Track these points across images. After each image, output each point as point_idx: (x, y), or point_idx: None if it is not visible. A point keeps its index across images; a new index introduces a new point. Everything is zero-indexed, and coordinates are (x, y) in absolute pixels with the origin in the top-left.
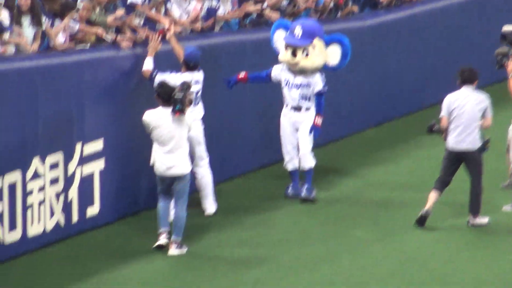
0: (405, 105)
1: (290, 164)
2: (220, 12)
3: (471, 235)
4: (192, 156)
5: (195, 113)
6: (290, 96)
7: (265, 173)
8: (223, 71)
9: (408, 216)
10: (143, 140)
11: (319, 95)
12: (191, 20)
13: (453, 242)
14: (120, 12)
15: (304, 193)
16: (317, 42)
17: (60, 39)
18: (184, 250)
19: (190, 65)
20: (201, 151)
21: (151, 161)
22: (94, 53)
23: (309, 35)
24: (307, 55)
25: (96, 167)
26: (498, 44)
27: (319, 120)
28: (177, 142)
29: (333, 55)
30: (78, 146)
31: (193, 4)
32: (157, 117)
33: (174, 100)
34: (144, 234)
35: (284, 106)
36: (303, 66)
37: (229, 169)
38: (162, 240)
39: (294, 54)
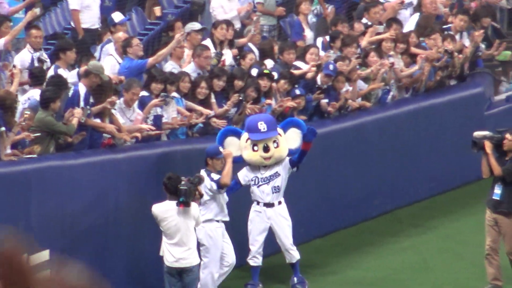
0: (351, 215)
1: (255, 260)
2: (165, 119)
3: None
4: None
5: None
6: (262, 193)
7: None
8: None
9: None
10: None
11: (296, 161)
12: (134, 128)
13: None
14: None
15: (298, 285)
16: (279, 130)
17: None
18: None
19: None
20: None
21: (160, 252)
22: (41, 162)
23: (273, 126)
24: (277, 145)
25: None
26: (446, 152)
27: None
28: (184, 234)
29: (293, 139)
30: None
31: (136, 113)
32: (163, 210)
33: (178, 191)
34: None
35: (254, 204)
36: (278, 157)
37: None
38: None
39: (266, 149)
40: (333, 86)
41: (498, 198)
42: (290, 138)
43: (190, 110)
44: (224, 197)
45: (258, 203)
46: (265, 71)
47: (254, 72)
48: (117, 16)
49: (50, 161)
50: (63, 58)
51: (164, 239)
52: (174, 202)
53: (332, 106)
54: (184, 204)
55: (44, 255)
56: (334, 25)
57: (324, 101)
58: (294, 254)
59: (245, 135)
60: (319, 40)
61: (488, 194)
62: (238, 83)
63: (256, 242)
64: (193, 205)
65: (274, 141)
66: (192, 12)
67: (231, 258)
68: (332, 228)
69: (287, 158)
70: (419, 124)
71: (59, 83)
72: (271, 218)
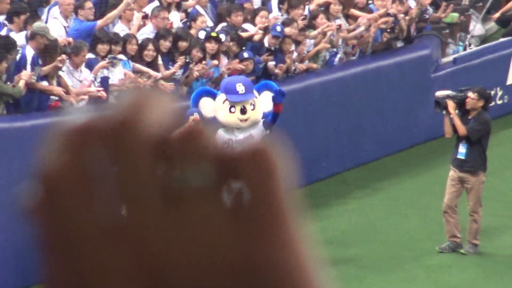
0: (301, 177)
1: None
2: (112, 81)
3: None
4: None
5: None
6: None
7: None
8: None
9: None
10: None
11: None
12: (82, 92)
13: None
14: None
15: None
16: (255, 93)
17: None
18: None
19: None
20: None
21: None
22: None
23: (250, 88)
24: (253, 108)
25: None
26: (393, 114)
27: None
28: None
29: (266, 101)
30: None
31: (85, 73)
32: None
33: None
34: None
35: None
36: (254, 119)
37: None
38: None
39: (243, 111)
40: (280, 48)
41: (463, 157)
42: (264, 101)
43: (137, 72)
44: None
45: None
46: (212, 34)
47: (202, 35)
48: None
49: None
50: (16, 21)
51: None
52: None
53: (279, 68)
54: None
55: None
56: None
57: (272, 63)
58: None
59: (221, 96)
60: (275, 2)
61: (453, 153)
62: (183, 44)
63: None
64: None
65: (251, 104)
66: None
67: None
68: None
69: (261, 121)
70: (366, 87)
71: (6, 44)
72: None
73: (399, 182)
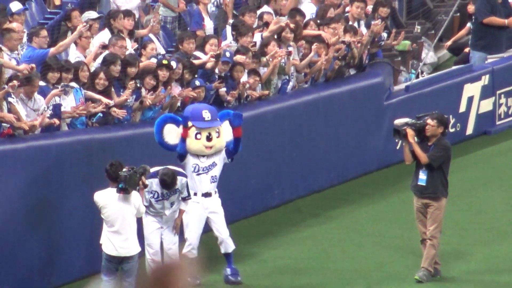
0: (251, 205)
1: (193, 252)
2: (64, 108)
3: None
4: None
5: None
6: (201, 182)
7: None
8: (70, 172)
9: None
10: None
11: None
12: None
13: None
14: None
15: (231, 276)
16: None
17: None
18: None
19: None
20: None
21: (100, 240)
22: None
23: (215, 116)
24: (218, 135)
25: None
26: (346, 141)
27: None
28: (123, 222)
29: (228, 130)
30: None
31: (38, 102)
32: (104, 197)
33: (119, 177)
34: None
35: (191, 194)
36: (219, 147)
37: None
38: None
39: (209, 138)
40: (231, 75)
41: (424, 184)
42: (227, 129)
43: (89, 99)
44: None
45: (195, 194)
46: (164, 62)
47: (153, 62)
48: (15, 6)
49: None
50: None
51: (104, 227)
52: (115, 189)
53: (231, 95)
54: (123, 190)
55: None
56: (242, 14)
57: (223, 90)
58: (230, 244)
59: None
60: (229, 29)
61: (413, 180)
62: (131, 70)
63: (194, 234)
64: (134, 193)
65: (216, 131)
66: (91, 1)
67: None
68: (232, 218)
69: (224, 149)
70: (319, 114)
71: None
72: (209, 208)
73: (353, 210)
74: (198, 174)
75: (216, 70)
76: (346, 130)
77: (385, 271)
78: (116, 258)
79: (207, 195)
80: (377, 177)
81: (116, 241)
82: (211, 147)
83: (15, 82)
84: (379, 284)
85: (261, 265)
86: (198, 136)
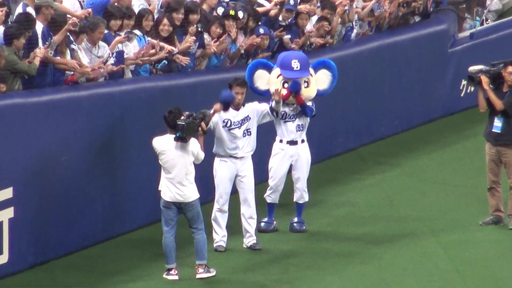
0: (315, 153)
1: (276, 195)
2: (127, 55)
3: None
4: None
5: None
6: (286, 129)
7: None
8: (134, 120)
9: None
10: (54, 189)
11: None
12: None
13: None
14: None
15: (296, 225)
16: (311, 71)
17: None
18: (213, 272)
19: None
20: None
21: (159, 187)
22: (4, 100)
23: (306, 66)
24: (307, 85)
25: (5, 215)
26: (410, 89)
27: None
28: (180, 170)
29: (321, 80)
30: None
31: (102, 49)
32: (162, 143)
33: (176, 126)
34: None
35: (277, 141)
36: (306, 96)
37: None
38: (174, 276)
39: None
40: (296, 23)
41: (498, 131)
42: (320, 79)
43: (153, 47)
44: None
45: (281, 141)
46: (231, 12)
47: (220, 11)
48: None
49: (13, 99)
50: None
51: (162, 173)
52: (173, 136)
53: (295, 43)
54: (181, 139)
55: (7, 192)
56: None
57: (287, 37)
58: (305, 196)
59: (276, 71)
60: None
61: (486, 127)
62: (193, 17)
63: (275, 179)
64: (192, 141)
65: (305, 81)
66: None
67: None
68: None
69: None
70: (383, 62)
71: (26, 20)
72: (294, 156)
73: (417, 157)
74: (285, 121)
75: (280, 18)
76: (410, 77)
77: (449, 219)
78: (174, 204)
79: (292, 143)
80: (441, 125)
81: (173, 187)
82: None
83: (75, 19)
84: (443, 231)
85: (325, 211)
86: (286, 85)
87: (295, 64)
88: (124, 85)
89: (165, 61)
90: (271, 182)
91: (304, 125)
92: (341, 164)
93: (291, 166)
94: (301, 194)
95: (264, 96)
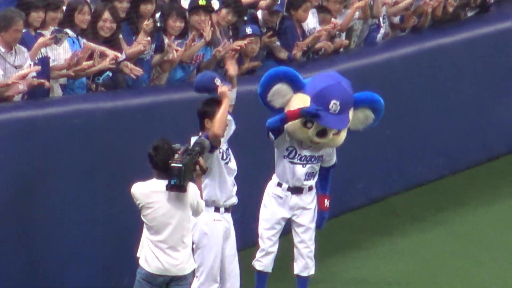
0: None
1: (268, 259)
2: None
3: None
4: None
5: None
6: (292, 172)
7: None
8: (62, 152)
9: None
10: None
11: (329, 169)
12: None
13: None
14: None
15: None
16: (350, 113)
17: None
18: None
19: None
20: None
21: (138, 253)
22: None
23: (347, 110)
24: (337, 133)
25: None
26: (460, 113)
27: (328, 203)
28: (175, 230)
29: (358, 121)
30: None
31: (20, 56)
32: (147, 193)
33: (170, 170)
34: None
35: (274, 183)
36: (331, 145)
37: None
38: None
39: (323, 133)
40: (290, 17)
41: None
42: (356, 119)
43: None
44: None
45: (280, 184)
46: (201, 2)
47: (185, 4)
48: None
49: None
50: None
51: (145, 233)
52: (163, 183)
53: (296, 48)
54: (177, 188)
55: None
56: None
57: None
58: (310, 265)
59: (304, 98)
60: None
61: None
62: (146, 8)
63: (266, 237)
64: (191, 187)
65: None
66: None
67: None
68: None
69: (334, 156)
70: (422, 74)
71: None
72: (295, 208)
73: (468, 212)
74: (291, 162)
75: (261, 22)
76: (461, 97)
77: None
78: (161, 278)
79: (295, 190)
80: (504, 165)
81: (163, 254)
82: (319, 143)
83: None
84: None
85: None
86: (309, 124)
87: (334, 106)
88: (51, 106)
89: (108, 73)
90: (261, 244)
91: (313, 172)
92: (361, 221)
93: (290, 223)
94: (305, 263)
95: (273, 112)
